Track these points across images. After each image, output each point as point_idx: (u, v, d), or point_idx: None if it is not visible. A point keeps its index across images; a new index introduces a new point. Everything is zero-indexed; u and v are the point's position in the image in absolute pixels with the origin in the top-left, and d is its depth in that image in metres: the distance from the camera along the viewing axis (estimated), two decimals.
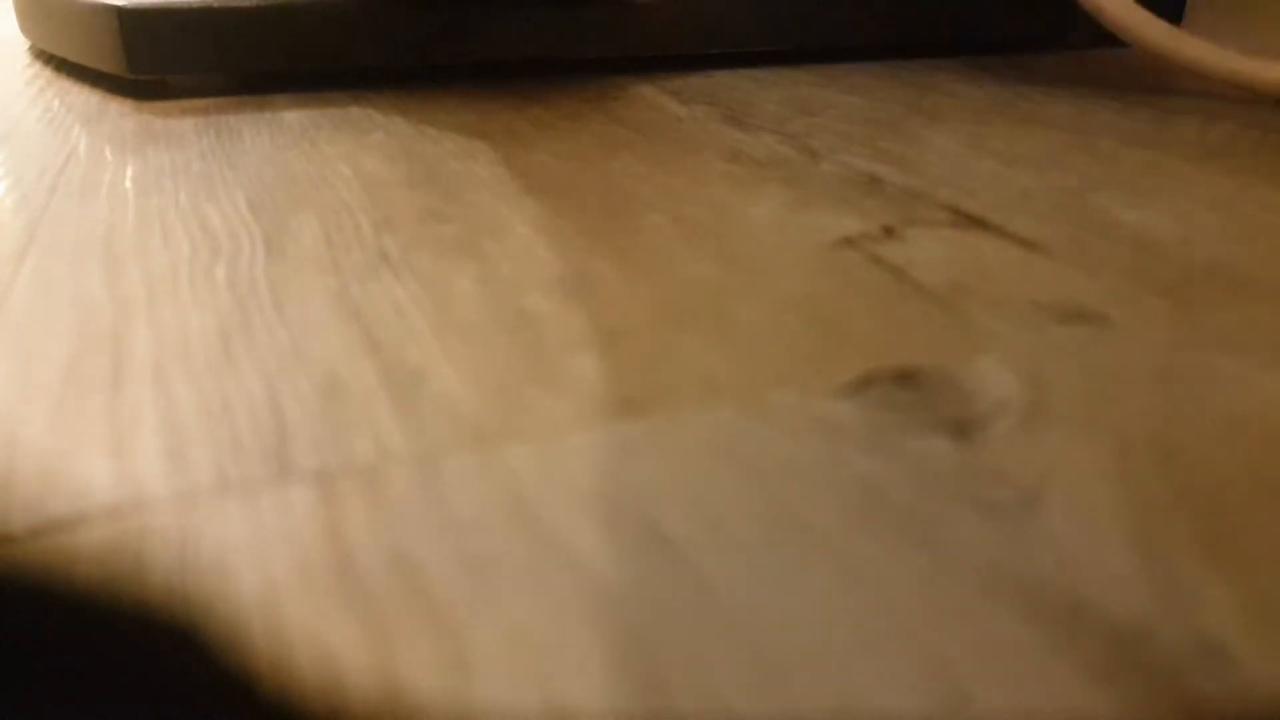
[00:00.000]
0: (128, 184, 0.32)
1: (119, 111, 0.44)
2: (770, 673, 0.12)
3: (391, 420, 0.18)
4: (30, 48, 0.62)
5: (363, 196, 0.31)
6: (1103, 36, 0.63)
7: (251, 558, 0.14)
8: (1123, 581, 0.14)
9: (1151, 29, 0.44)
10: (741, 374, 0.19)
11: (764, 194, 0.31)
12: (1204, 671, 0.12)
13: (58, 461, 0.16)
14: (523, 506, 0.15)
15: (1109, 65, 0.55)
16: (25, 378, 0.19)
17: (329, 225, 0.28)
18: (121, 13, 0.44)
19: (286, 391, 0.19)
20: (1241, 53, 0.43)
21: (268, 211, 0.29)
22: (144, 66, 0.45)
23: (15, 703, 0.11)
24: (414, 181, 0.32)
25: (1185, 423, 0.18)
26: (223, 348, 0.20)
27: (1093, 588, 0.13)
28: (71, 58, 0.51)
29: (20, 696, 0.12)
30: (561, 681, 0.12)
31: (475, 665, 0.12)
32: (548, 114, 0.43)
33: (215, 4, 0.45)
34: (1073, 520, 0.15)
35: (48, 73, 0.53)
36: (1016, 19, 0.57)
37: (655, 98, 0.46)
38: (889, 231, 0.28)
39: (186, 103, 0.45)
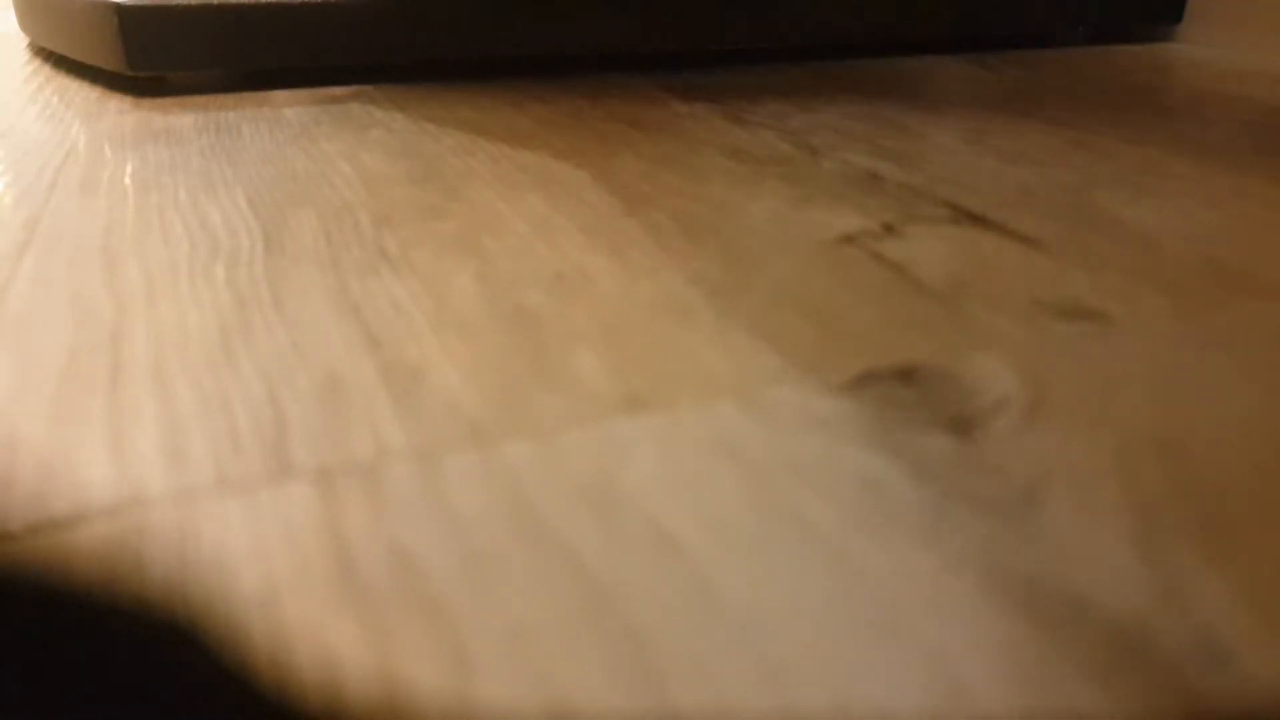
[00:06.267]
0: (127, 181, 0.32)
1: (118, 108, 0.44)
2: (770, 670, 0.12)
3: (391, 418, 0.18)
4: (29, 45, 0.61)
5: (362, 193, 0.31)
6: (1104, 35, 0.63)
7: (251, 555, 0.14)
8: (1123, 578, 0.14)
9: None
10: (741, 371, 0.19)
11: (764, 191, 0.31)
12: (1204, 668, 0.12)
13: (57, 459, 0.16)
14: (522, 504, 0.15)
15: (1109, 63, 0.55)
16: (24, 375, 0.19)
17: (329, 222, 0.28)
18: (121, 9, 0.44)
19: (286, 389, 0.19)
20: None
21: (267, 208, 0.29)
22: (143, 63, 0.45)
23: (16, 701, 0.11)
24: (414, 178, 0.32)
25: (1185, 420, 0.18)
26: (222, 345, 0.20)
27: (1093, 585, 0.13)
28: (71, 54, 0.51)
29: (20, 694, 0.12)
30: (562, 679, 0.12)
31: (475, 663, 0.12)
32: (548, 110, 0.43)
33: (215, 0, 0.45)
34: (1073, 517, 0.15)
35: (47, 69, 0.53)
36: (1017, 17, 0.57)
37: (656, 94, 0.46)
38: (889, 229, 0.28)
39: (186, 99, 0.45)
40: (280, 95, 0.46)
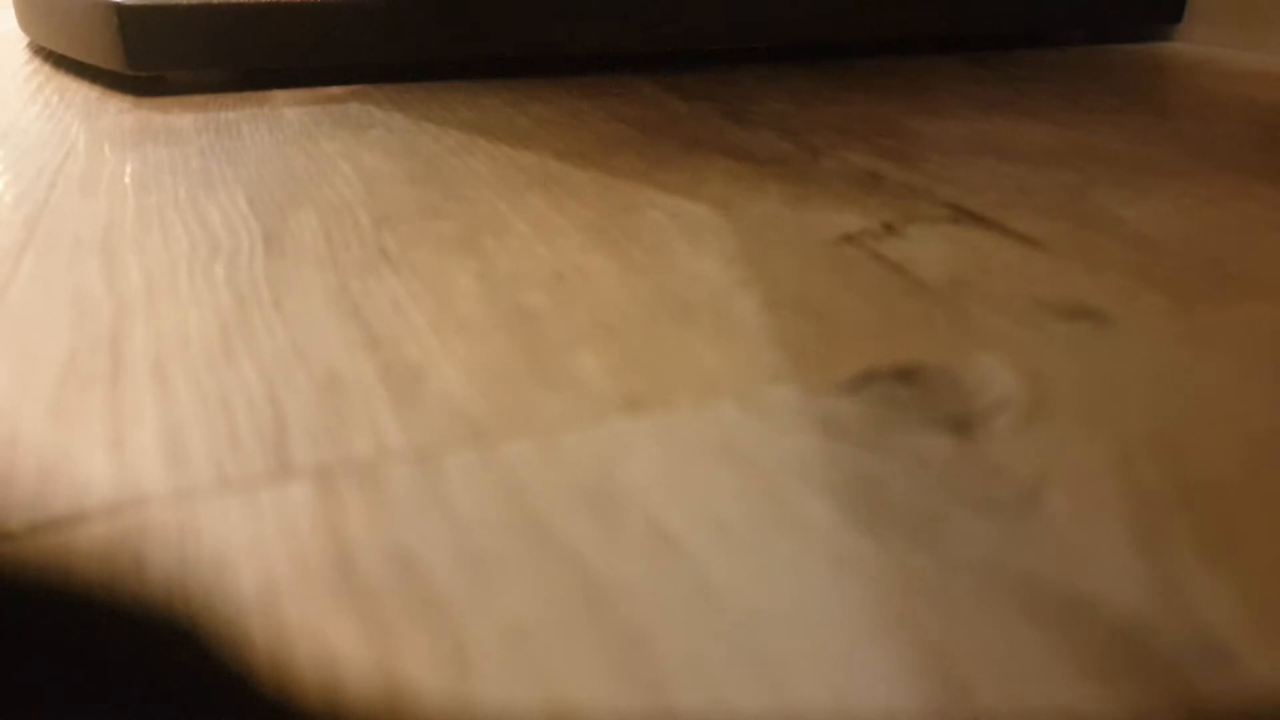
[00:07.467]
0: (127, 180, 0.32)
1: (118, 108, 0.44)
2: (770, 670, 0.12)
3: (391, 417, 0.18)
4: (29, 44, 0.61)
5: (362, 193, 0.31)
6: (1104, 35, 0.63)
7: (251, 555, 0.14)
8: (1123, 578, 0.14)
9: None
10: (741, 370, 0.19)
11: (764, 191, 0.31)
12: (1204, 668, 0.12)
13: (56, 458, 0.16)
14: (522, 503, 0.15)
15: (1109, 63, 0.55)
16: (24, 374, 0.19)
17: (328, 222, 0.28)
18: (121, 9, 0.44)
19: (286, 388, 0.19)
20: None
21: (267, 208, 0.29)
22: (143, 62, 0.45)
23: (16, 701, 0.11)
24: (414, 178, 0.32)
25: (1185, 420, 0.18)
26: (222, 344, 0.20)
27: (1093, 585, 0.13)
28: (70, 54, 0.51)
29: (21, 694, 0.12)
30: (562, 679, 0.12)
31: (475, 662, 0.12)
32: (548, 110, 0.43)
33: (215, 0, 0.45)
34: (1073, 517, 0.15)
35: (47, 69, 0.53)
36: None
37: (656, 94, 0.46)
38: (889, 228, 0.28)
39: (185, 99, 0.45)
40: (280, 95, 0.46)
